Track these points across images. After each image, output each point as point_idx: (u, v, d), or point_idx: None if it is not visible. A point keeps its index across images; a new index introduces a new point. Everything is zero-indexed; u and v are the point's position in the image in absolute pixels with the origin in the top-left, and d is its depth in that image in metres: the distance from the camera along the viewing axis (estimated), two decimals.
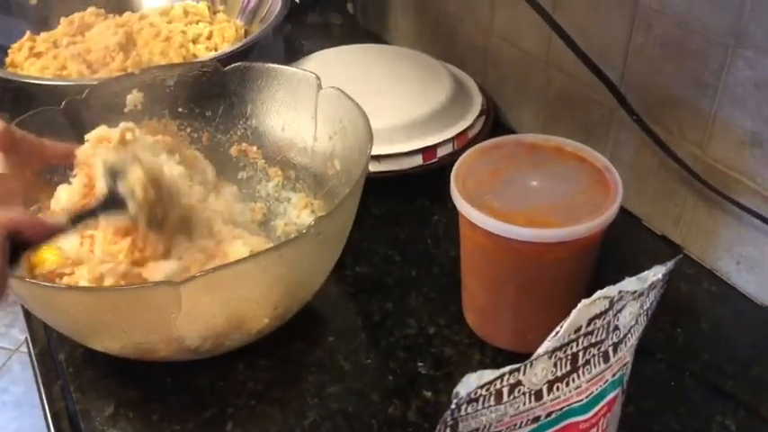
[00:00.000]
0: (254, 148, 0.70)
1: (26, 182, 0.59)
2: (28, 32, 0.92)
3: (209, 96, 0.69)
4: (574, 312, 0.34)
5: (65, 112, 0.63)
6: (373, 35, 1.10)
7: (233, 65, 0.68)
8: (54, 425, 0.56)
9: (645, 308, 0.37)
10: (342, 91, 0.63)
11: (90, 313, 0.49)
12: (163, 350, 0.51)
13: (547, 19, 0.65)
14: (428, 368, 0.56)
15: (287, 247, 0.48)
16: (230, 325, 0.51)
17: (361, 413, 0.53)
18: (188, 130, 0.69)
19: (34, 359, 0.63)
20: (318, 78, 0.65)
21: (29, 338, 0.66)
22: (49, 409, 0.58)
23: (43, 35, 0.92)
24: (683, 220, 0.65)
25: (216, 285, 0.47)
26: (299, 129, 0.68)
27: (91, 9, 0.97)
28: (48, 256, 0.56)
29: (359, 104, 0.60)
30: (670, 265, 0.37)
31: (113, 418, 0.53)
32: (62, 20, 0.95)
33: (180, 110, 0.69)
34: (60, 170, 0.64)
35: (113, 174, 0.51)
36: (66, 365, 0.58)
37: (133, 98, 0.66)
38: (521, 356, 0.34)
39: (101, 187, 0.52)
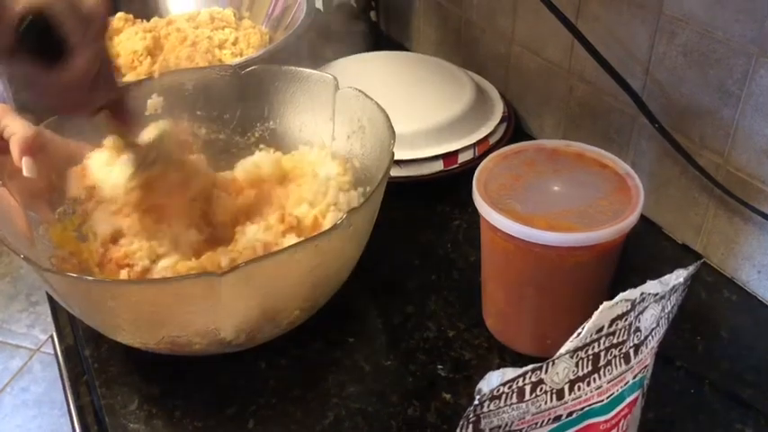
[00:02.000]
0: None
1: (52, 184, 0.61)
2: None
3: (227, 99, 0.70)
4: (596, 313, 0.34)
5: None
6: (396, 43, 1.11)
7: (250, 68, 0.70)
8: (79, 419, 0.57)
9: (666, 311, 0.37)
10: (359, 90, 0.64)
11: (133, 306, 0.50)
12: (198, 344, 0.52)
13: (569, 27, 0.65)
14: (447, 371, 0.56)
15: (322, 238, 0.49)
16: (265, 316, 0.53)
17: (381, 413, 0.53)
18: (204, 132, 0.71)
19: (60, 355, 0.64)
20: (336, 79, 0.66)
21: (55, 335, 0.67)
22: (75, 404, 0.59)
23: None
24: (703, 229, 0.65)
25: (255, 276, 0.48)
26: (317, 129, 0.69)
27: (119, 14, 0.99)
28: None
29: (377, 102, 0.61)
30: (691, 269, 0.37)
31: (137, 414, 0.54)
32: None
33: (198, 113, 0.70)
34: None
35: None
36: (91, 361, 0.59)
37: (153, 102, 0.68)
38: (540, 361, 0.34)
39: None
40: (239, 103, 0.71)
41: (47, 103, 0.51)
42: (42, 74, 0.45)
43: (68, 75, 0.46)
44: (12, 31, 0.43)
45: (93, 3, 0.46)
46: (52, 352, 0.70)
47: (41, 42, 0.45)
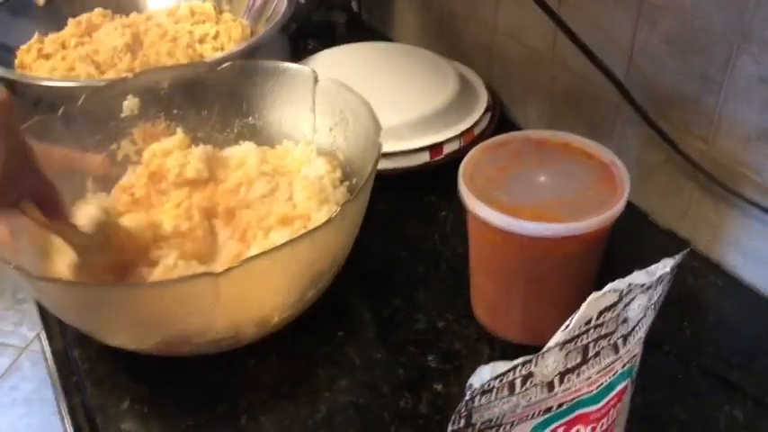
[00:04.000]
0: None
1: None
2: (36, 34, 0.92)
3: (204, 96, 0.70)
4: (584, 305, 0.34)
5: (62, 119, 0.63)
6: (378, 33, 1.11)
7: (226, 64, 0.69)
8: (71, 420, 0.57)
9: (653, 300, 0.38)
10: (340, 82, 0.64)
11: (131, 309, 0.49)
12: (195, 344, 0.52)
13: (552, 15, 0.65)
14: (438, 362, 0.57)
15: (318, 232, 0.49)
16: (262, 313, 0.53)
17: (373, 406, 0.54)
18: (182, 130, 0.70)
19: (49, 356, 0.64)
20: (314, 72, 0.66)
21: (43, 336, 0.66)
22: (66, 405, 0.58)
23: (51, 36, 0.93)
24: (689, 215, 0.66)
25: (254, 274, 0.48)
26: (297, 123, 0.69)
27: (98, 10, 0.97)
28: None
29: (359, 93, 0.61)
30: (678, 258, 0.37)
31: (128, 413, 0.54)
32: (70, 21, 0.95)
33: (175, 111, 0.69)
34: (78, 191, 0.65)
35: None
36: (80, 362, 0.59)
37: (129, 104, 0.67)
38: (530, 350, 0.34)
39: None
40: (217, 100, 0.70)
41: None
42: None
43: None
44: None
45: None
46: (40, 350, 0.70)
47: None
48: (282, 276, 0.52)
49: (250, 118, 0.71)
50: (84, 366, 0.58)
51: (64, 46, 0.92)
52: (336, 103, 0.65)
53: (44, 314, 0.66)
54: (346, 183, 0.65)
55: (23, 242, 0.56)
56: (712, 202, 0.63)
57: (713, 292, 0.62)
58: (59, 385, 0.60)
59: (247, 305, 0.51)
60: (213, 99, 0.70)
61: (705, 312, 0.60)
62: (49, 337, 0.64)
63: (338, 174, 0.65)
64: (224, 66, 0.69)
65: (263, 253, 0.48)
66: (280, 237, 0.58)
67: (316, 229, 0.50)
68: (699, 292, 0.62)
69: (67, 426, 0.58)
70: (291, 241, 0.49)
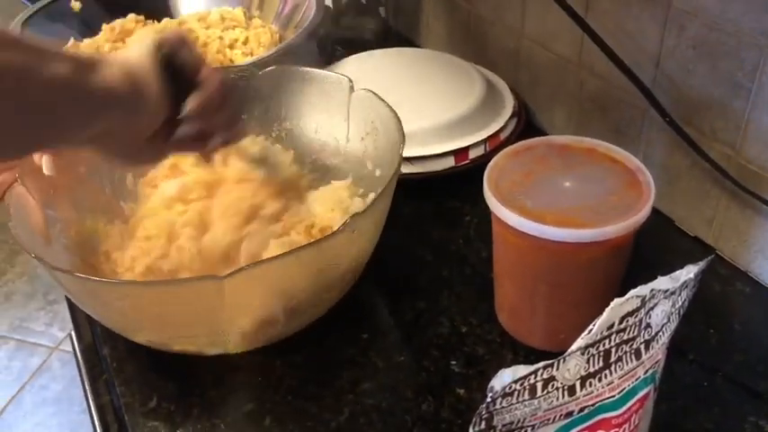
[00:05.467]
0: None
1: (71, 182, 0.61)
2: (72, 39, 0.94)
3: (244, 100, 0.71)
4: (607, 310, 0.35)
5: None
6: (405, 39, 1.11)
7: (267, 69, 0.70)
8: (99, 418, 0.58)
9: (677, 306, 0.38)
10: (374, 93, 0.64)
11: (139, 306, 0.50)
12: (205, 344, 0.53)
13: (579, 21, 0.65)
14: (461, 366, 0.57)
15: (325, 242, 0.50)
16: (272, 318, 0.53)
17: (395, 409, 0.54)
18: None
19: (79, 354, 0.65)
20: (351, 81, 0.67)
21: (73, 334, 0.68)
22: (94, 402, 0.60)
23: (86, 41, 0.95)
24: (715, 221, 0.65)
25: (258, 279, 0.49)
26: (332, 130, 0.70)
27: (131, 16, 0.99)
28: None
29: (390, 106, 0.62)
30: (702, 264, 0.37)
31: (156, 412, 0.55)
32: (104, 26, 0.97)
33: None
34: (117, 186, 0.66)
35: None
36: (110, 360, 0.60)
37: None
38: (553, 356, 0.34)
39: None
40: (256, 104, 0.71)
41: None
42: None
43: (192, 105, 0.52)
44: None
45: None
46: (70, 350, 0.72)
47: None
48: (293, 282, 0.52)
49: (287, 123, 0.72)
50: (114, 365, 0.59)
51: (98, 51, 0.94)
52: (368, 112, 0.65)
53: (74, 312, 0.68)
54: (372, 194, 0.65)
55: (57, 231, 0.58)
56: (739, 209, 0.62)
57: (740, 299, 0.62)
58: (89, 384, 0.61)
59: (256, 309, 0.52)
60: (252, 103, 0.71)
61: (732, 320, 0.59)
62: (79, 335, 0.65)
63: (360, 190, 0.66)
64: (266, 70, 0.70)
65: (269, 259, 0.49)
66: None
67: (321, 239, 0.51)
68: (725, 300, 0.62)
69: (96, 424, 0.60)
70: (296, 250, 0.50)
